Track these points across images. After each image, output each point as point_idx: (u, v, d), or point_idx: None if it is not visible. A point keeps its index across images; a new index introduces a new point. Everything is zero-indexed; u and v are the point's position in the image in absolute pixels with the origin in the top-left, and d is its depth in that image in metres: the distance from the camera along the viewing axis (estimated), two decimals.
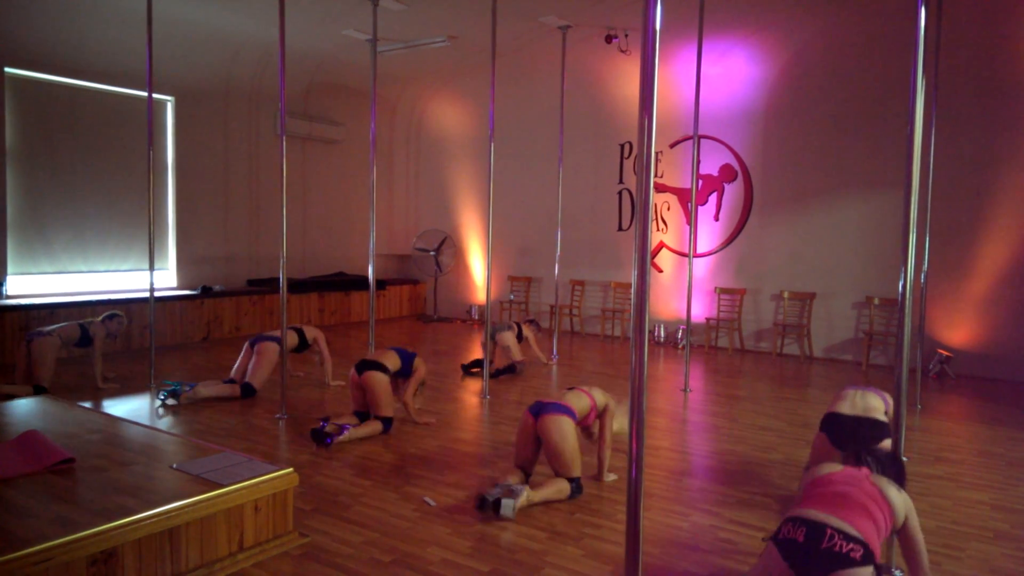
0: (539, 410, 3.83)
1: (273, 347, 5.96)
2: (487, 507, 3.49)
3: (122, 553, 2.66)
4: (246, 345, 6.11)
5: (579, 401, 3.96)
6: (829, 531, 2.28)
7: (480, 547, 3.24)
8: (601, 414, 4.11)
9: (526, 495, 3.54)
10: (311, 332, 6.43)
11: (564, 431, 3.73)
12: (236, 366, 6.09)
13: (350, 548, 3.23)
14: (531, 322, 7.82)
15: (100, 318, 6.36)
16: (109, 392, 6.06)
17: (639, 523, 1.95)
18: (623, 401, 4.20)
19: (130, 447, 3.56)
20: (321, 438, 4.61)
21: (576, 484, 3.74)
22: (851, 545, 2.25)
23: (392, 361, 5.11)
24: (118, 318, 6.42)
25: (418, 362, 5.29)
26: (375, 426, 4.86)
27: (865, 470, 2.63)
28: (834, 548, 2.25)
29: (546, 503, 3.67)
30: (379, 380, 4.94)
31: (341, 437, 4.65)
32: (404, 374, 5.22)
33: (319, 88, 10.78)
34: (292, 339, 6.20)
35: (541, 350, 7.82)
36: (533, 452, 3.87)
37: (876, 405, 3.68)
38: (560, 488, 3.70)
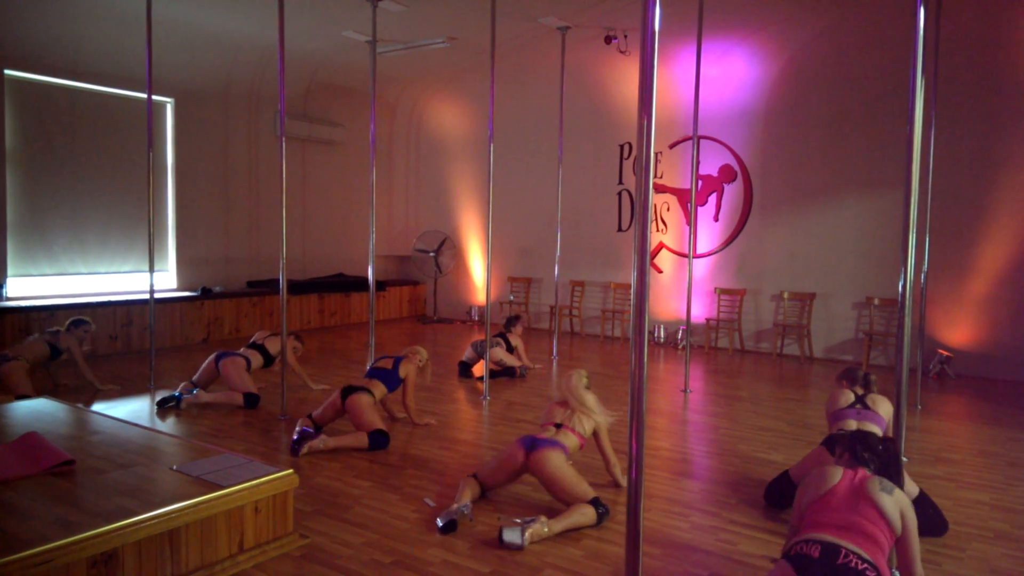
0: (532, 446, 3.66)
1: (240, 362, 5.80)
2: (446, 531, 3.37)
3: (122, 554, 2.66)
4: (211, 358, 5.87)
5: (568, 440, 3.78)
6: (844, 550, 2.34)
7: (480, 548, 3.23)
8: (594, 435, 3.93)
9: (543, 524, 3.31)
10: (275, 345, 6.06)
11: (557, 462, 3.57)
12: (198, 375, 5.86)
13: (350, 549, 3.23)
14: (515, 319, 7.44)
15: (65, 327, 6.13)
16: (110, 394, 6.05)
17: (639, 524, 1.95)
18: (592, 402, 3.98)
19: (130, 448, 3.56)
20: (297, 444, 4.51)
21: (597, 502, 3.50)
22: (865, 565, 2.31)
23: (379, 390, 4.94)
24: (85, 325, 6.22)
25: (405, 367, 5.12)
26: (359, 438, 4.61)
27: (862, 473, 2.63)
28: (849, 564, 2.30)
29: (573, 530, 3.40)
30: (365, 401, 4.75)
31: (313, 443, 4.47)
32: (393, 388, 5.07)
33: (319, 89, 10.78)
34: (257, 359, 5.98)
35: (528, 354, 7.69)
36: (504, 480, 3.77)
37: (875, 432, 3.66)
38: (586, 514, 3.43)
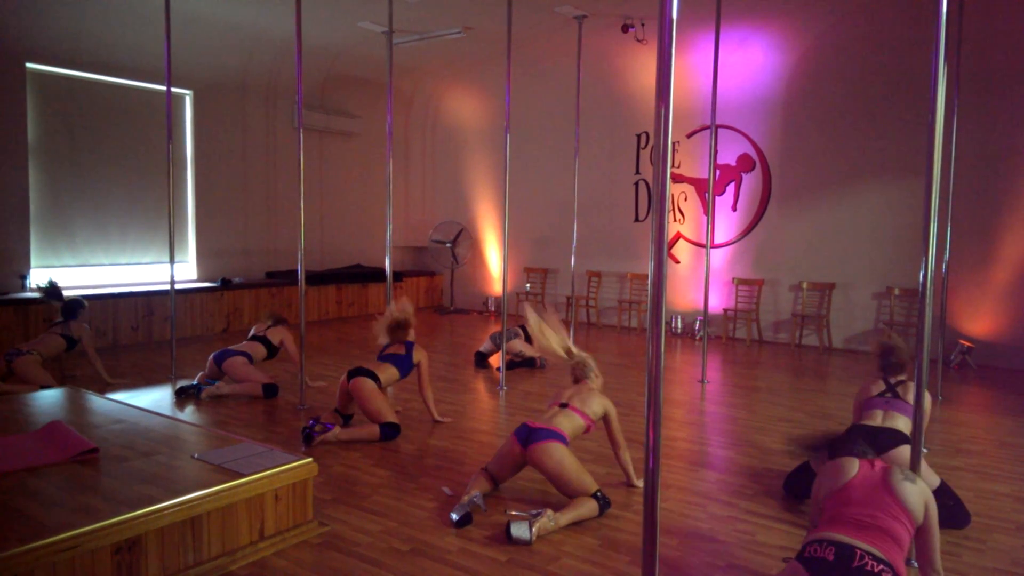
0: (527, 437, 3.56)
1: (240, 360, 5.81)
2: (462, 524, 3.35)
3: (145, 541, 2.70)
4: (210, 360, 5.86)
5: (571, 423, 3.69)
6: (859, 552, 2.29)
7: (497, 536, 3.25)
8: (605, 421, 3.87)
9: (550, 518, 3.30)
10: (277, 335, 6.11)
11: (557, 456, 3.49)
12: (206, 373, 5.88)
13: (369, 537, 3.26)
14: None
15: (61, 311, 6.09)
16: (117, 387, 6.01)
17: (656, 514, 1.95)
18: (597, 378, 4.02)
19: (152, 437, 3.62)
20: (309, 437, 4.52)
21: (599, 495, 3.49)
22: (881, 567, 2.26)
23: (388, 374, 4.89)
24: (82, 309, 6.21)
25: (419, 353, 5.09)
26: (371, 429, 4.62)
27: (880, 463, 2.61)
28: (865, 567, 2.25)
29: (578, 523, 3.40)
30: (369, 387, 4.71)
31: (325, 435, 4.49)
32: (405, 374, 5.04)
33: (335, 81, 10.81)
34: (260, 351, 6.00)
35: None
36: (510, 473, 3.72)
37: (902, 427, 3.59)
38: (589, 507, 3.44)
